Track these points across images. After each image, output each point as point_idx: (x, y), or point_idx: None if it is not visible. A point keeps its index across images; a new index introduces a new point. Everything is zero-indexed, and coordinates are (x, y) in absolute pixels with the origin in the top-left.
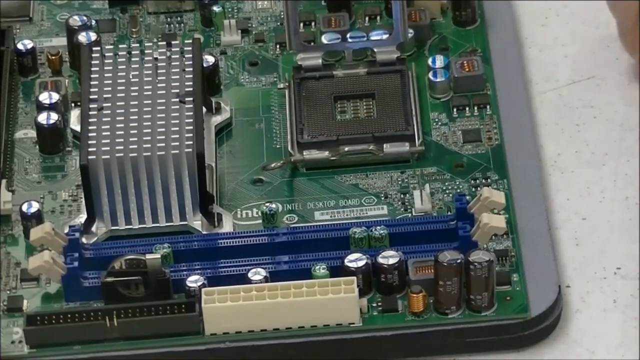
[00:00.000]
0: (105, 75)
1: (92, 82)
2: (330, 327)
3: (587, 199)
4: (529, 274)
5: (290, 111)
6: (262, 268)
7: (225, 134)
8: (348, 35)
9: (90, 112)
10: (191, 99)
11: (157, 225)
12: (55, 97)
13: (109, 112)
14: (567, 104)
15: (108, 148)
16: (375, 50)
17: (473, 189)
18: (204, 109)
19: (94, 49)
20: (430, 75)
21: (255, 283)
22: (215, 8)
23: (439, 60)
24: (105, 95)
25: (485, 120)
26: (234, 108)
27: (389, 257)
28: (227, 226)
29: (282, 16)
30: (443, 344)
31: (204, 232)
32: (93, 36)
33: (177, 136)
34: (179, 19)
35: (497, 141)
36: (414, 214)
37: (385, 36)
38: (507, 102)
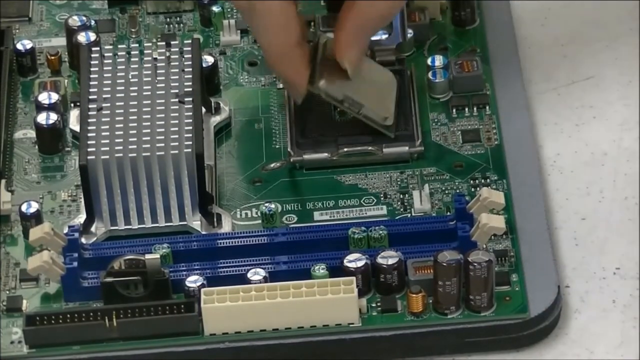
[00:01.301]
0: (105, 75)
1: (91, 82)
2: (330, 327)
3: (587, 199)
4: (528, 274)
5: (289, 111)
6: (262, 268)
7: (224, 134)
8: None
9: (90, 112)
10: (190, 99)
11: (157, 225)
12: (55, 97)
13: (108, 112)
14: (566, 104)
15: (107, 148)
16: (374, 50)
17: (472, 189)
18: (204, 109)
19: (93, 49)
20: (429, 75)
21: (255, 283)
22: (215, 8)
23: (438, 60)
24: (104, 96)
25: (485, 121)
26: (233, 108)
27: (388, 257)
28: (226, 226)
29: None
30: (442, 344)
31: (203, 232)
32: (92, 36)
33: (177, 136)
34: (178, 19)
35: (496, 141)
36: (413, 214)
37: (384, 36)
38: (506, 102)
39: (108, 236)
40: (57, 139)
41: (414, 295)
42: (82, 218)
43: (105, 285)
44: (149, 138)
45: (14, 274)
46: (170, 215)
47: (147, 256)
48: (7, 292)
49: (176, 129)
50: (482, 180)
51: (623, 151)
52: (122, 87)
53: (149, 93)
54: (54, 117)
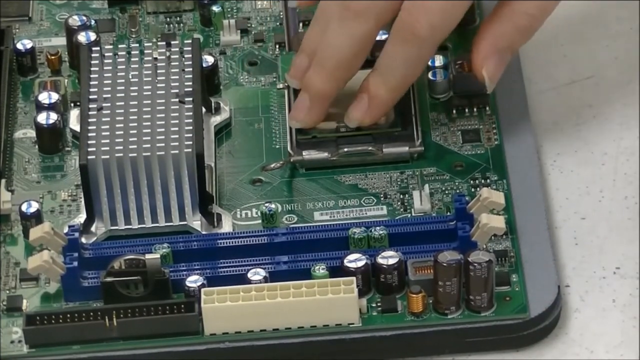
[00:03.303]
0: (105, 75)
1: (91, 82)
2: (330, 327)
3: (586, 199)
4: (529, 274)
5: (289, 111)
6: (262, 268)
7: (224, 134)
8: None
9: (90, 112)
10: (191, 99)
11: (157, 225)
12: (55, 97)
13: (109, 112)
14: (566, 104)
15: (107, 148)
16: (374, 50)
17: (472, 189)
18: (204, 109)
19: (93, 48)
20: (429, 75)
21: (255, 283)
22: (215, 8)
23: (439, 60)
24: (104, 95)
25: (485, 121)
26: (234, 108)
27: (388, 258)
28: (226, 226)
29: (282, 16)
30: (442, 344)
31: (204, 232)
32: (92, 36)
33: (177, 136)
34: (178, 18)
35: (496, 141)
36: (413, 214)
37: (385, 36)
38: (506, 102)
39: (108, 236)
40: (57, 138)
41: (414, 295)
42: (82, 218)
43: (105, 285)
44: (149, 138)
45: (14, 273)
46: (171, 215)
47: (147, 256)
48: (7, 291)
49: (176, 129)
50: (482, 181)
51: (623, 151)
52: (122, 87)
53: (149, 93)
54: (54, 116)
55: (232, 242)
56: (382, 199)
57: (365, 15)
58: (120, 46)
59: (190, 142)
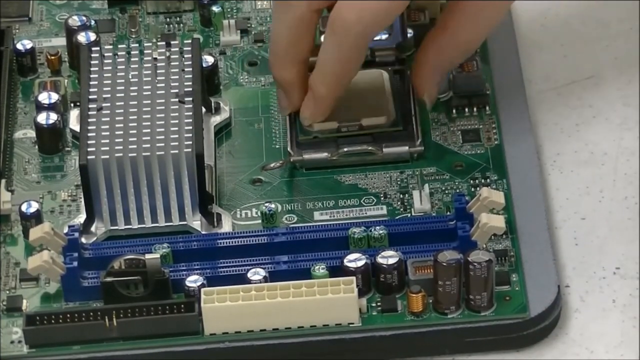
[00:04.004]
0: (105, 75)
1: (91, 82)
2: (330, 327)
3: (586, 199)
4: (528, 274)
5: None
6: (262, 268)
7: (224, 134)
8: None
9: (90, 112)
10: (190, 99)
11: (157, 225)
12: (55, 97)
13: (108, 112)
14: (566, 104)
15: (107, 148)
16: (374, 50)
17: (472, 189)
18: (204, 109)
19: (93, 49)
20: None
21: (255, 283)
22: (215, 8)
23: None
24: (104, 96)
25: (485, 120)
26: (233, 108)
27: (388, 257)
28: (226, 226)
29: None
30: (442, 343)
31: (203, 232)
32: (92, 36)
33: (177, 136)
34: (178, 19)
35: (496, 141)
36: (413, 214)
37: (384, 36)
38: (506, 102)
39: (108, 236)
40: (57, 138)
41: (414, 295)
42: (82, 218)
43: (105, 285)
44: (149, 138)
45: (14, 273)
46: (170, 215)
47: (147, 256)
48: (7, 291)
49: (176, 129)
50: (482, 180)
51: (623, 151)
52: (122, 87)
53: (149, 93)
54: (54, 117)
55: (232, 242)
56: (382, 198)
57: (297, 2)
58: (120, 46)
59: (190, 142)
